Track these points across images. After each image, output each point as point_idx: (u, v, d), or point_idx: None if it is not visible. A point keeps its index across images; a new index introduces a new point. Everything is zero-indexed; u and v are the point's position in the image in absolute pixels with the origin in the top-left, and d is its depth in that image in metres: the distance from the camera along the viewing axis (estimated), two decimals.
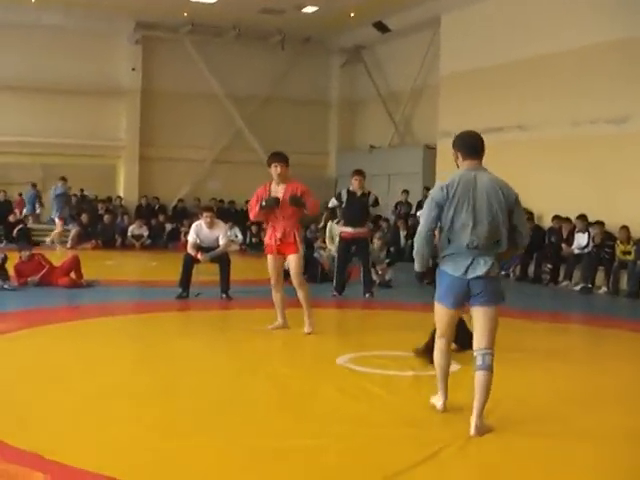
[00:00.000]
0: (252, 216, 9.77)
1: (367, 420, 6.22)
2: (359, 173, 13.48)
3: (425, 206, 6.05)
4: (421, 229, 6.01)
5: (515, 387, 7.29)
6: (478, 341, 5.90)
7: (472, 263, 5.87)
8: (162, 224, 24.64)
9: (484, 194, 5.86)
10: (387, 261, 15.57)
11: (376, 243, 15.06)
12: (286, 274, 9.87)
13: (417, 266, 6.12)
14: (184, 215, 25.41)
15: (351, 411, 6.48)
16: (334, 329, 9.84)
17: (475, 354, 5.91)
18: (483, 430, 5.79)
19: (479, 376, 5.85)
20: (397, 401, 6.84)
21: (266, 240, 9.73)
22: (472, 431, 5.75)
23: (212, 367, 8.12)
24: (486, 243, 5.87)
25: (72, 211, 24.15)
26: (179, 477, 4.94)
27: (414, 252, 6.11)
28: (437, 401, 6.40)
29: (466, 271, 5.88)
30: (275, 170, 9.45)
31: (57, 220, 22.47)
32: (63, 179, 22.93)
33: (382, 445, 5.61)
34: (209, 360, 8.49)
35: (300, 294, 9.64)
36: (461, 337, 7.22)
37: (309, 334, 9.57)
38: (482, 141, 6.02)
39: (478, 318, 5.94)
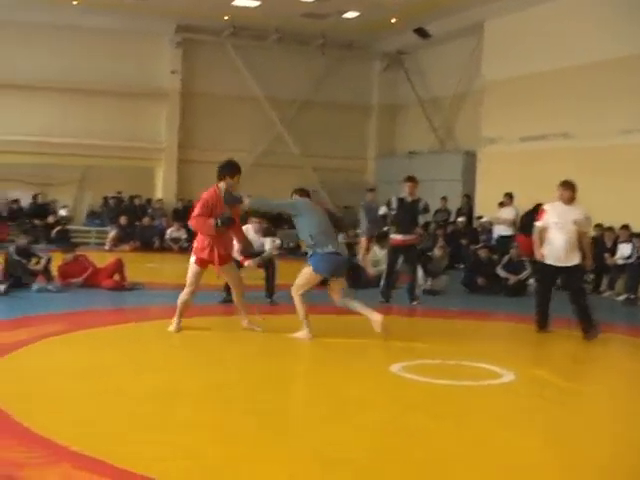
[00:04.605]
0: None
1: (426, 433, 6.06)
2: (411, 180, 13.33)
3: None
4: None
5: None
6: None
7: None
8: None
9: None
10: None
11: (437, 252, 14.95)
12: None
13: None
14: None
15: (408, 423, 6.33)
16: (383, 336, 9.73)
17: None
18: None
19: None
20: (456, 413, 6.67)
21: None
22: None
23: (264, 373, 8.04)
24: None
25: (111, 213, 24.24)
26: None
27: None
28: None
29: None
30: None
31: None
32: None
33: (445, 463, 5.39)
34: (260, 366, 8.41)
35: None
36: None
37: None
38: None
39: None
